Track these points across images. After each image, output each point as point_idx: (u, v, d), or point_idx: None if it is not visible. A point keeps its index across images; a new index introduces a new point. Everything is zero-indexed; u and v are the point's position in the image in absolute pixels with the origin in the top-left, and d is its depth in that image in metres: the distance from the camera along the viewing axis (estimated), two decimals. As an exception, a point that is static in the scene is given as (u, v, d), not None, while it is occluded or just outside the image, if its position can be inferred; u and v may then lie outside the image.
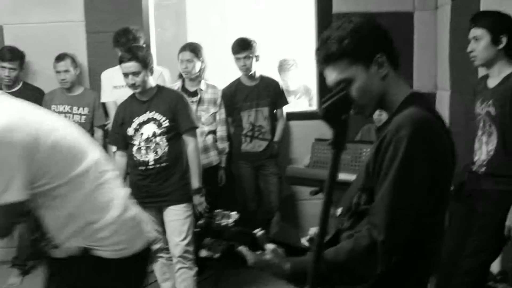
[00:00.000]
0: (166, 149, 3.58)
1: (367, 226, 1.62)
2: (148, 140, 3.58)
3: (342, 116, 1.20)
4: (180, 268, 3.69)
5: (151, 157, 3.58)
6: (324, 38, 1.71)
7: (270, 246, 1.70)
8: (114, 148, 4.37)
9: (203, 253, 1.74)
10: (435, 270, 3.12)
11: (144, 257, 2.16)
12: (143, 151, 3.59)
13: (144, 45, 4.14)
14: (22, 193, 1.82)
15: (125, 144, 3.69)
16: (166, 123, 3.58)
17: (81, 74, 4.72)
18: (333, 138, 1.20)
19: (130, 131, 3.61)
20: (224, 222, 1.74)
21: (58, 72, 4.44)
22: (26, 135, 1.83)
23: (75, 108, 4.50)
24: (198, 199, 3.67)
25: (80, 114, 4.51)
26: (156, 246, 3.71)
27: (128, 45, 4.08)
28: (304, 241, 1.93)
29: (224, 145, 4.53)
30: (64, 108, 4.49)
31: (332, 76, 1.70)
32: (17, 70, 4.49)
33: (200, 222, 1.74)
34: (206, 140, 4.39)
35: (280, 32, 5.90)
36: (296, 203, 4.99)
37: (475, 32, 3.04)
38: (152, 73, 3.62)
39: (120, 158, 3.73)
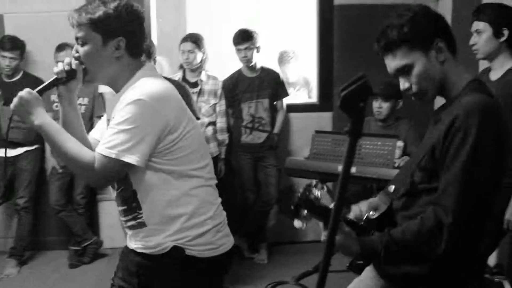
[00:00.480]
0: None
1: (432, 207, 1.70)
2: None
3: (360, 104, 1.20)
4: None
5: None
6: (384, 27, 1.78)
7: (346, 228, 1.78)
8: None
9: (297, 223, 1.80)
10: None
11: (227, 259, 2.13)
12: None
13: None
14: (141, 159, 1.84)
15: None
16: None
17: (82, 64, 4.69)
18: (350, 126, 1.20)
19: None
20: (315, 193, 1.78)
21: (58, 62, 4.39)
22: (172, 112, 1.87)
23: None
24: None
25: (80, 104, 4.49)
26: None
27: None
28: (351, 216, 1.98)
29: (224, 137, 4.53)
30: (64, 98, 4.47)
31: (392, 63, 1.79)
32: (18, 59, 4.47)
33: (299, 193, 1.78)
34: (206, 131, 4.39)
35: (280, 23, 5.89)
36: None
37: (477, 25, 3.04)
38: (154, 63, 3.60)
39: None
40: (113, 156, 1.82)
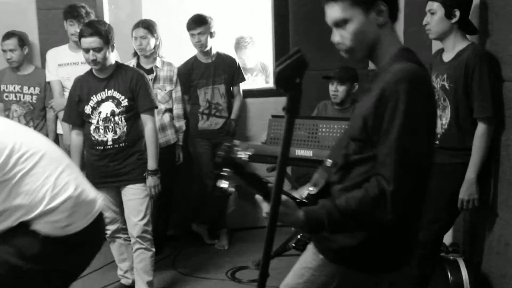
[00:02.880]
0: (125, 129, 3.52)
1: (374, 177, 1.70)
2: (106, 119, 3.50)
3: (296, 79, 1.19)
4: (138, 248, 3.65)
5: (109, 137, 3.50)
6: None
7: (283, 197, 1.72)
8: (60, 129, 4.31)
9: (222, 183, 1.73)
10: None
11: (88, 237, 2.16)
12: (101, 131, 3.51)
13: (105, 21, 4.06)
14: None
15: (81, 122, 3.59)
16: (125, 102, 3.50)
17: (32, 52, 4.57)
18: (287, 103, 1.19)
19: (88, 109, 3.51)
20: (242, 154, 1.73)
21: (4, 50, 4.28)
22: None
23: (25, 88, 4.36)
24: (153, 180, 3.59)
25: (31, 94, 4.38)
26: (114, 227, 3.70)
27: (81, 19, 4.03)
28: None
29: (181, 123, 4.50)
30: (14, 88, 4.35)
31: (332, 13, 1.78)
32: (-35, 47, 4.33)
33: (221, 152, 1.72)
34: (163, 119, 4.35)
35: (236, 10, 5.84)
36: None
37: (431, 5, 3.08)
38: (113, 49, 3.52)
39: (76, 136, 3.64)
40: None
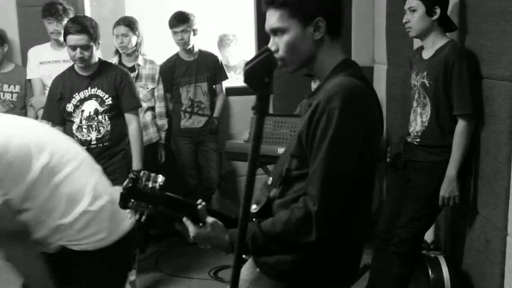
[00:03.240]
0: (109, 127, 3.49)
1: (302, 197, 1.65)
2: (90, 118, 3.46)
3: (265, 79, 1.17)
4: None
5: (93, 136, 3.47)
6: None
7: (210, 219, 1.72)
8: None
9: (129, 214, 1.72)
10: (371, 237, 3.19)
11: (126, 243, 2.13)
12: (84, 130, 3.47)
13: (90, 17, 4.02)
14: None
15: (62, 120, 3.54)
16: (109, 101, 3.47)
17: (12, 50, 4.52)
18: (256, 103, 1.17)
19: (70, 107, 3.47)
20: (150, 184, 1.68)
21: None
22: None
23: (5, 86, 4.31)
24: None
25: (12, 92, 4.33)
26: None
27: (58, 16, 3.99)
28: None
29: (163, 122, 4.47)
30: (-6, 86, 4.31)
31: (270, 20, 1.74)
32: None
33: (125, 183, 1.67)
34: (145, 117, 4.32)
35: (220, 7, 5.83)
36: (236, 179, 4.98)
37: (411, 2, 3.08)
38: (98, 47, 3.47)
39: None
40: None
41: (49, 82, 4.22)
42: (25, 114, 4.40)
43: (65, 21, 4.15)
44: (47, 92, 4.24)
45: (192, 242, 1.76)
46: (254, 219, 1.74)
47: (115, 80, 3.50)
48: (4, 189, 1.84)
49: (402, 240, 3.18)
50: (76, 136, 3.47)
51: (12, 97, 4.34)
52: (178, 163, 4.64)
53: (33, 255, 1.91)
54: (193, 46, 4.48)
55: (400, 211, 3.22)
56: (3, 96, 4.32)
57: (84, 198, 2.02)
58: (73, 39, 3.34)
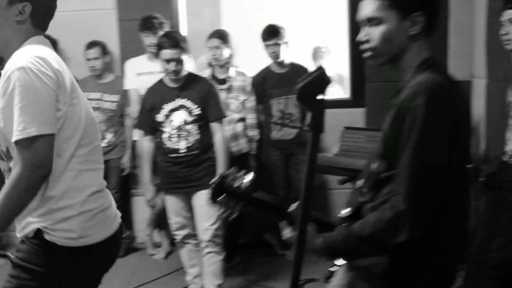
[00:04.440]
0: (198, 137, 3.60)
1: (392, 197, 1.64)
2: (179, 128, 3.59)
3: (318, 96, 1.16)
4: (209, 252, 3.72)
5: (182, 145, 3.60)
6: None
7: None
8: (135, 135, 4.44)
9: (211, 212, 1.75)
10: (463, 259, 3.03)
11: (102, 250, 2.05)
12: (174, 139, 3.60)
13: (224, 31, 4.26)
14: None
15: (152, 129, 3.71)
16: (197, 111, 3.59)
17: (113, 61, 4.78)
18: (310, 120, 1.17)
19: (160, 117, 3.62)
20: (237, 182, 1.74)
21: (88, 59, 4.51)
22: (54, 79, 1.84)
23: (105, 95, 4.56)
24: None
25: (111, 101, 4.57)
26: (184, 232, 3.77)
27: (154, 30, 4.22)
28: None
29: (254, 133, 4.51)
30: (95, 95, 4.56)
31: (366, 9, 1.73)
32: (50, 57, 4.55)
33: (214, 179, 1.74)
34: (236, 128, 4.39)
35: (313, 19, 5.83)
36: (325, 192, 4.94)
37: (510, 13, 2.92)
38: (188, 60, 3.64)
39: (148, 143, 3.76)
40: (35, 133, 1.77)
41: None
42: (123, 123, 4.62)
43: (160, 34, 4.34)
44: (143, 102, 4.44)
45: (281, 254, 1.78)
46: (345, 224, 1.76)
47: (201, 91, 3.63)
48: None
49: (497, 265, 3.01)
50: (166, 145, 3.62)
51: (111, 105, 4.57)
52: (268, 174, 4.66)
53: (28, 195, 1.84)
54: (284, 59, 4.49)
55: (493, 233, 3.06)
56: (103, 105, 4.55)
57: (80, 195, 1.96)
58: (168, 53, 3.51)
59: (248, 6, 6.08)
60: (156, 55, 4.37)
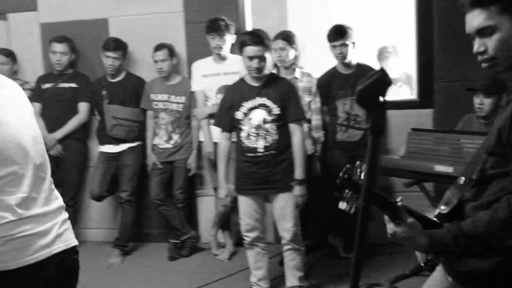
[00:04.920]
0: (276, 136, 3.60)
1: (505, 196, 1.60)
2: (258, 127, 3.60)
3: (378, 99, 1.13)
4: (290, 249, 3.76)
5: (260, 144, 3.60)
6: None
7: (409, 219, 1.71)
8: (201, 136, 4.48)
9: (341, 205, 1.75)
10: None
11: (26, 277, 1.92)
12: (252, 138, 3.61)
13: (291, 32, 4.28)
14: None
15: (231, 127, 3.74)
16: (276, 111, 3.59)
17: (179, 63, 4.85)
18: (370, 124, 1.14)
19: (239, 115, 3.63)
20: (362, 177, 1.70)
21: (156, 61, 4.60)
22: None
23: (172, 97, 4.64)
24: (301, 190, 3.65)
25: (178, 103, 4.66)
26: (253, 235, 3.77)
27: (220, 32, 4.29)
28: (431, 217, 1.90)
29: (319, 134, 4.48)
30: (162, 97, 4.66)
31: (475, 21, 1.68)
32: (120, 60, 4.70)
33: (341, 173, 1.73)
34: (301, 129, 4.37)
35: (380, 18, 5.72)
36: (392, 196, 4.83)
37: None
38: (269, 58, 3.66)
39: (225, 141, 3.79)
40: None
41: (210, 94, 4.48)
42: (189, 124, 4.70)
43: (227, 36, 4.39)
44: (208, 103, 4.50)
45: (344, 256, 1.75)
46: (440, 221, 1.73)
47: (283, 91, 3.62)
48: None
49: None
50: (244, 143, 3.63)
51: (178, 107, 4.65)
52: (333, 176, 4.60)
53: None
54: (350, 60, 4.44)
55: None
56: (170, 106, 4.65)
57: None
58: (252, 50, 3.52)
59: (315, 5, 6.04)
60: (223, 56, 4.44)
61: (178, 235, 4.78)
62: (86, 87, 4.84)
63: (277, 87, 3.64)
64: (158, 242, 5.07)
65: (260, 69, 3.56)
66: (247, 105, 3.61)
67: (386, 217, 1.72)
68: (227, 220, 4.81)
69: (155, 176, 4.76)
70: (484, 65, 1.72)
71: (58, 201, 2.05)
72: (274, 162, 3.62)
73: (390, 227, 1.71)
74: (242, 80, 3.74)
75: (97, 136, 4.90)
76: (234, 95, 3.69)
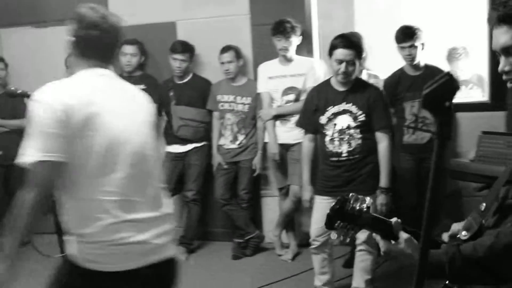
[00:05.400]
0: (360, 141, 3.59)
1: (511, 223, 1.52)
2: (341, 131, 3.59)
3: (445, 103, 1.10)
4: (362, 250, 3.73)
5: (344, 148, 3.60)
6: None
7: (404, 236, 1.65)
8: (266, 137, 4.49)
9: (333, 235, 1.71)
10: None
11: (128, 281, 2.06)
12: (336, 142, 3.61)
13: (358, 34, 4.21)
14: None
15: (314, 129, 3.74)
16: (362, 117, 3.57)
17: (245, 65, 4.91)
18: (436, 128, 1.11)
19: (323, 119, 3.63)
20: (358, 206, 1.68)
21: (222, 63, 4.67)
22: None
23: (238, 98, 4.70)
24: (385, 198, 3.62)
25: (243, 104, 4.71)
26: (323, 239, 3.74)
27: (286, 34, 4.27)
28: (445, 236, 1.83)
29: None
30: (228, 98, 4.72)
31: (502, 38, 1.58)
32: (187, 62, 4.80)
33: (333, 205, 1.68)
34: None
35: (450, 18, 5.58)
36: (462, 200, 4.71)
37: None
38: (361, 64, 3.63)
39: (309, 142, 3.81)
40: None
41: (276, 96, 4.51)
42: (254, 125, 4.74)
43: (292, 38, 4.39)
44: (274, 104, 4.53)
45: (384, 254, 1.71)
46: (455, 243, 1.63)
47: (369, 98, 3.58)
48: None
49: None
50: (328, 148, 3.63)
51: (243, 107, 4.71)
52: (399, 178, 4.54)
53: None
54: (419, 61, 4.35)
55: None
56: (236, 107, 4.70)
57: (92, 226, 2.01)
58: (341, 53, 3.48)
59: (382, 6, 5.96)
60: (289, 58, 4.45)
61: (243, 235, 4.83)
62: (154, 89, 4.96)
63: (364, 93, 3.60)
64: (222, 241, 5.13)
65: (347, 74, 3.52)
66: (332, 110, 3.60)
67: (376, 236, 1.67)
68: (291, 220, 4.82)
69: (220, 176, 4.82)
70: (509, 85, 1.63)
71: (164, 209, 2.15)
72: (357, 166, 3.62)
73: (383, 245, 1.65)
74: (327, 83, 3.71)
75: (164, 136, 5.02)
76: (319, 98, 3.68)
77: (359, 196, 1.70)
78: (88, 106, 1.95)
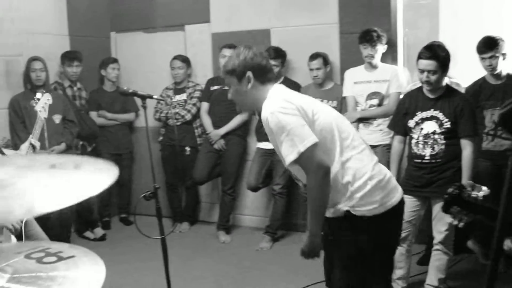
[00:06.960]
0: (443, 147, 3.74)
1: None
2: (426, 136, 3.77)
3: None
4: (438, 249, 3.90)
5: (427, 152, 3.78)
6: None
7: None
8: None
9: (448, 219, 1.84)
10: None
11: (395, 213, 2.59)
12: (420, 145, 3.79)
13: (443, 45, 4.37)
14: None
15: (404, 131, 3.94)
16: (447, 125, 3.71)
17: (332, 70, 5.19)
18: (510, 146, 1.19)
19: (411, 123, 3.82)
20: (474, 194, 1.78)
21: (311, 69, 4.99)
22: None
23: (325, 101, 4.97)
24: None
25: (329, 107, 4.99)
26: (403, 235, 3.83)
27: (372, 42, 4.51)
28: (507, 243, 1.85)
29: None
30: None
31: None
32: (279, 66, 5.13)
33: (451, 190, 1.78)
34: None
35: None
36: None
37: None
38: (446, 73, 3.79)
39: (398, 143, 4.01)
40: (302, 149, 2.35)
41: (361, 100, 4.76)
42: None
43: (378, 46, 4.62)
44: (358, 108, 4.78)
45: (483, 263, 1.72)
46: None
47: (457, 107, 3.71)
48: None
49: None
50: (413, 149, 3.85)
51: (329, 111, 5.00)
52: (476, 183, 4.63)
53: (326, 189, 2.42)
54: (501, 71, 4.42)
55: None
56: (325, 109, 5.00)
57: (365, 173, 2.51)
58: (423, 63, 3.69)
59: (467, 15, 6.03)
60: (374, 64, 4.66)
61: (324, 227, 5.10)
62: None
63: (453, 102, 3.72)
64: (305, 232, 5.41)
65: (429, 83, 3.68)
66: (420, 115, 3.77)
67: (506, 239, 1.67)
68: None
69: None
70: None
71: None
72: (439, 169, 3.77)
73: (508, 244, 1.67)
74: (419, 89, 3.89)
75: (255, 133, 5.40)
76: (410, 103, 3.86)
77: (476, 185, 1.81)
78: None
